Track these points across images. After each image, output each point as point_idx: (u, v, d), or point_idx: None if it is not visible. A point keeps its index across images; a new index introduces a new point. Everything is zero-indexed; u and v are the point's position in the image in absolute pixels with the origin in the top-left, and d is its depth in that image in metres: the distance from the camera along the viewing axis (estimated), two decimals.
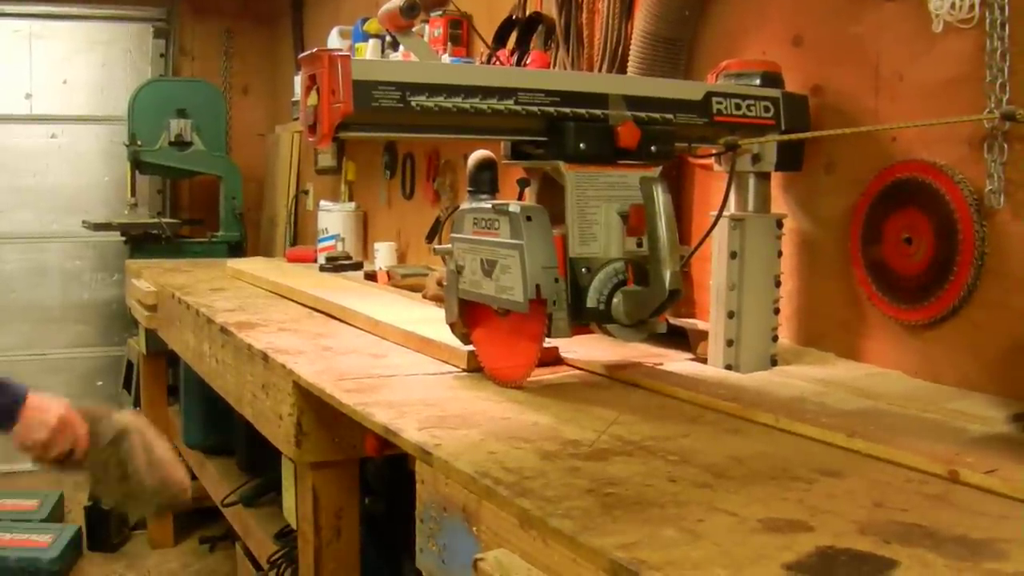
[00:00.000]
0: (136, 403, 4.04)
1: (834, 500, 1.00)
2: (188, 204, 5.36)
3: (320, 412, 1.75)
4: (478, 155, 1.75)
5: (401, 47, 2.80)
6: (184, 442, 3.55)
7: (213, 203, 4.91)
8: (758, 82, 1.66)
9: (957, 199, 1.46)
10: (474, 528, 1.09)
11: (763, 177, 1.69)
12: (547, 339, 1.46)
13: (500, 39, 2.58)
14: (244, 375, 2.10)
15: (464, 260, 1.56)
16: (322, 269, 3.41)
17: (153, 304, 3.16)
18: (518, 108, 1.43)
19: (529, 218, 1.42)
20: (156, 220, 4.79)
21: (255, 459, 3.13)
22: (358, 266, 3.43)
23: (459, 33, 2.96)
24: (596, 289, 1.44)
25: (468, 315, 1.62)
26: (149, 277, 3.36)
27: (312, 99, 1.37)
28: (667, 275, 1.35)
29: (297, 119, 1.63)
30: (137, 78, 5.12)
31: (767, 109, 1.63)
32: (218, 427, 3.39)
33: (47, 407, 1.64)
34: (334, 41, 3.71)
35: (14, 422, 1.63)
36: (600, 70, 2.14)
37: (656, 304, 1.38)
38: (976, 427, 1.28)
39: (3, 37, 5.05)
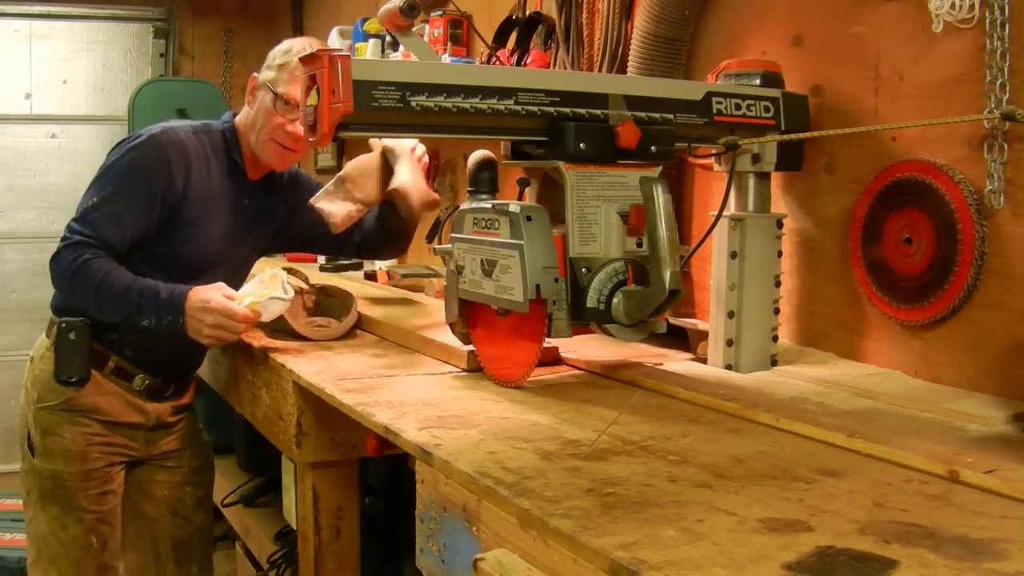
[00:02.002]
0: None
1: (834, 500, 1.00)
2: None
3: (320, 412, 1.75)
4: (478, 155, 1.75)
5: (401, 47, 2.79)
6: None
7: None
8: (758, 82, 1.66)
9: (957, 199, 1.46)
10: (474, 528, 1.09)
11: (763, 177, 1.69)
12: (547, 339, 1.46)
13: (500, 39, 2.58)
14: (244, 375, 2.10)
15: (464, 260, 1.56)
16: (322, 269, 3.41)
17: None
18: (518, 108, 1.43)
19: (529, 218, 1.42)
20: None
21: (255, 459, 3.13)
22: (358, 266, 3.43)
23: (459, 33, 2.96)
24: (596, 289, 1.44)
25: (468, 315, 1.62)
26: None
27: (312, 99, 1.37)
28: (667, 275, 1.35)
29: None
30: (137, 78, 5.12)
31: (767, 109, 1.63)
32: (218, 427, 3.39)
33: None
34: (334, 41, 3.70)
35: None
36: (600, 70, 2.14)
37: (656, 304, 1.38)
38: (976, 427, 1.28)
39: (3, 37, 5.05)
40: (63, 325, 2.00)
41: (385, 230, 2.23)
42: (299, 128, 1.97)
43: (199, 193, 1.99)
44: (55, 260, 1.91)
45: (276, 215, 2.20)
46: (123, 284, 1.88)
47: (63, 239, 1.91)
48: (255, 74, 2.07)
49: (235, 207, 2.08)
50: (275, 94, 1.99)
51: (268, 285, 1.94)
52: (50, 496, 2.03)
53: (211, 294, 1.88)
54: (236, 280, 2.11)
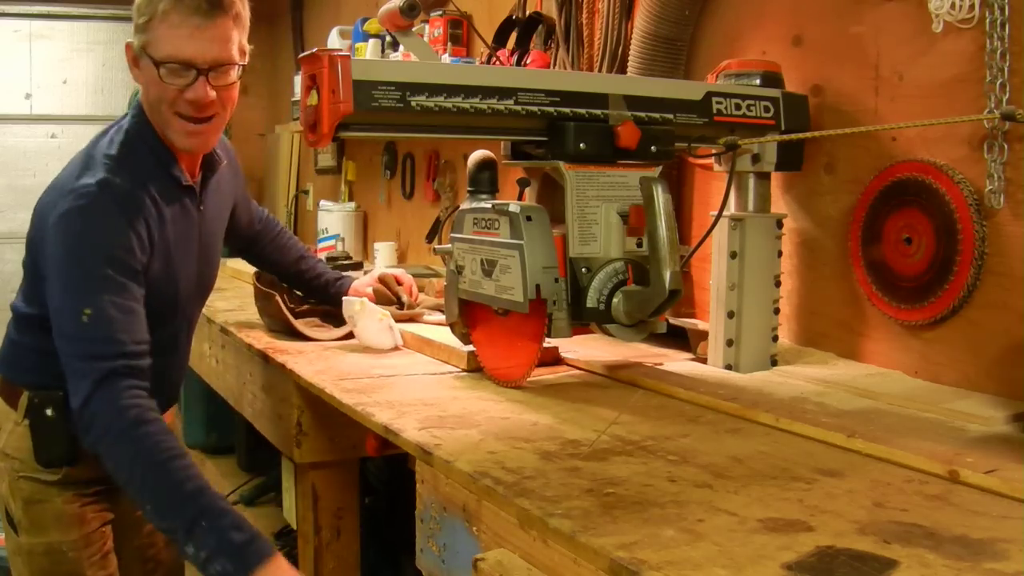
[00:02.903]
0: None
1: (834, 500, 1.00)
2: None
3: (320, 412, 1.76)
4: (478, 155, 1.75)
5: (401, 47, 2.79)
6: (184, 442, 3.55)
7: None
8: (758, 82, 1.66)
9: (957, 199, 1.46)
10: (474, 528, 1.09)
11: (763, 177, 1.69)
12: (547, 339, 1.46)
13: (500, 39, 2.58)
14: (244, 375, 2.10)
15: (464, 260, 1.56)
16: None
17: None
18: (518, 108, 1.43)
19: (529, 218, 1.42)
20: None
21: (255, 459, 3.13)
22: (358, 266, 3.43)
23: (459, 33, 2.96)
24: (596, 289, 1.44)
25: (468, 315, 1.62)
26: None
27: (312, 99, 1.37)
28: (667, 275, 1.35)
29: (297, 119, 1.64)
30: None
31: (767, 109, 1.63)
32: (218, 427, 3.39)
33: None
34: (334, 41, 3.70)
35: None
36: (600, 70, 2.14)
37: (656, 304, 1.38)
38: (976, 427, 1.28)
39: (3, 37, 5.05)
40: (35, 401, 1.63)
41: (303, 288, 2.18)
42: (208, 91, 1.56)
43: (159, 233, 1.63)
44: (86, 412, 1.45)
45: (227, 212, 1.90)
46: (182, 488, 1.40)
47: (78, 372, 1.47)
48: (128, 41, 1.66)
49: (192, 223, 1.71)
50: (155, 62, 1.59)
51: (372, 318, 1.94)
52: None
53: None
54: (204, 301, 1.86)
